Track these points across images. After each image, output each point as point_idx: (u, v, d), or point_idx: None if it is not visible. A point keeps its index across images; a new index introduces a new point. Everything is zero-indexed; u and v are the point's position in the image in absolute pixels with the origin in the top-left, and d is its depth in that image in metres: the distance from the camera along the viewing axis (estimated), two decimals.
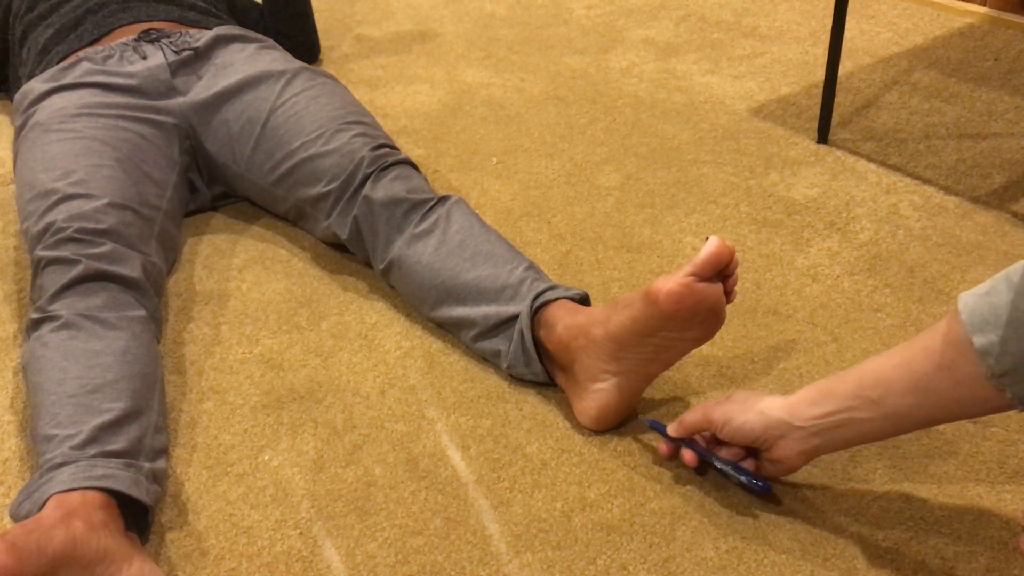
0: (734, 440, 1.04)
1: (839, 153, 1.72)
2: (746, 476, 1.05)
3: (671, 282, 1.05)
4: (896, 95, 1.89)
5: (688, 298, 1.05)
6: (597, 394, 1.15)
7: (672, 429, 1.10)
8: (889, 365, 0.93)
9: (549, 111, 1.89)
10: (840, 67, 1.87)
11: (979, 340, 0.85)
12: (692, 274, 1.04)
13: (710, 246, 1.04)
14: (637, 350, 1.11)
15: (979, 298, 0.85)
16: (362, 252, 1.41)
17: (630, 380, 1.13)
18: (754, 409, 1.02)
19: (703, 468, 1.12)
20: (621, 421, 1.18)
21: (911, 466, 1.12)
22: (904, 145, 1.73)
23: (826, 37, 2.12)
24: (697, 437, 1.10)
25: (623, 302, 1.11)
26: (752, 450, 1.07)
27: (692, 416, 1.08)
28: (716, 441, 1.08)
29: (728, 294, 1.08)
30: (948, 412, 0.91)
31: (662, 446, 1.12)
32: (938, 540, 1.03)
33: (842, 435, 0.97)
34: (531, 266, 1.27)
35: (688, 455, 1.08)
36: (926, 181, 1.63)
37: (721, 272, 1.06)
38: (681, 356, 1.13)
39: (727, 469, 1.07)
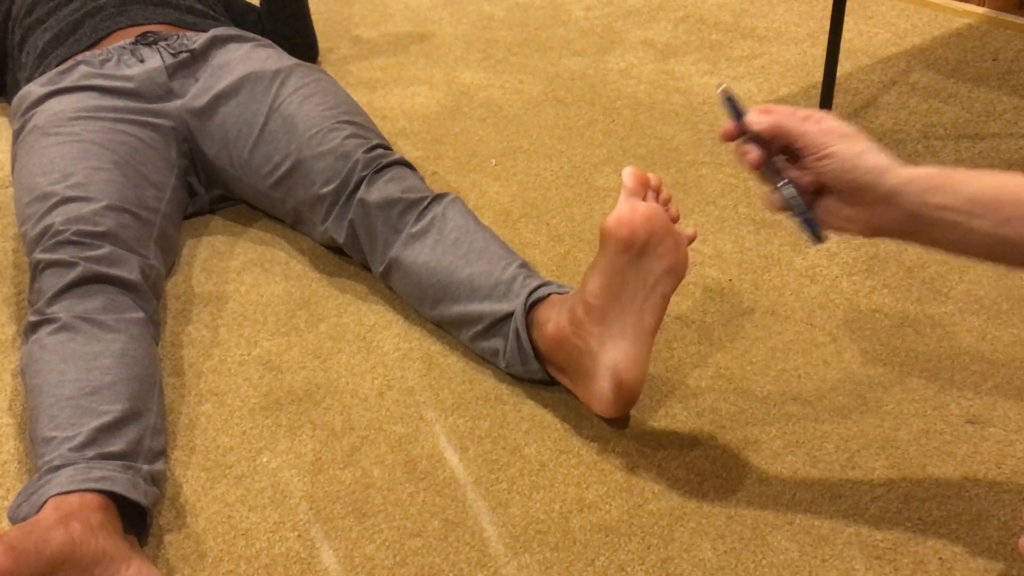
0: (821, 175, 0.90)
1: None
2: (804, 215, 0.91)
3: (615, 211, 1.12)
4: (894, 95, 1.89)
5: (635, 215, 1.11)
6: (607, 371, 1.13)
7: (754, 119, 0.92)
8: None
9: (548, 112, 1.89)
10: (838, 68, 1.87)
11: None
12: (627, 197, 1.13)
13: (625, 172, 1.14)
14: (620, 302, 1.12)
15: None
16: (359, 255, 1.41)
17: (631, 342, 1.12)
18: (865, 165, 0.88)
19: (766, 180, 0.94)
20: (639, 395, 1.15)
21: (909, 466, 1.12)
22: (903, 145, 1.73)
23: (824, 38, 2.13)
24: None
25: (588, 268, 1.16)
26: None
27: (787, 119, 0.91)
28: (784, 152, 0.93)
29: (666, 208, 1.15)
30: None
31: (728, 126, 0.93)
32: (936, 541, 1.03)
33: (934, 234, 0.87)
34: (523, 264, 1.27)
35: (754, 155, 0.92)
36: None
37: (650, 189, 1.15)
38: (666, 296, 1.14)
39: (789, 195, 0.91)
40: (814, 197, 0.93)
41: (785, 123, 0.91)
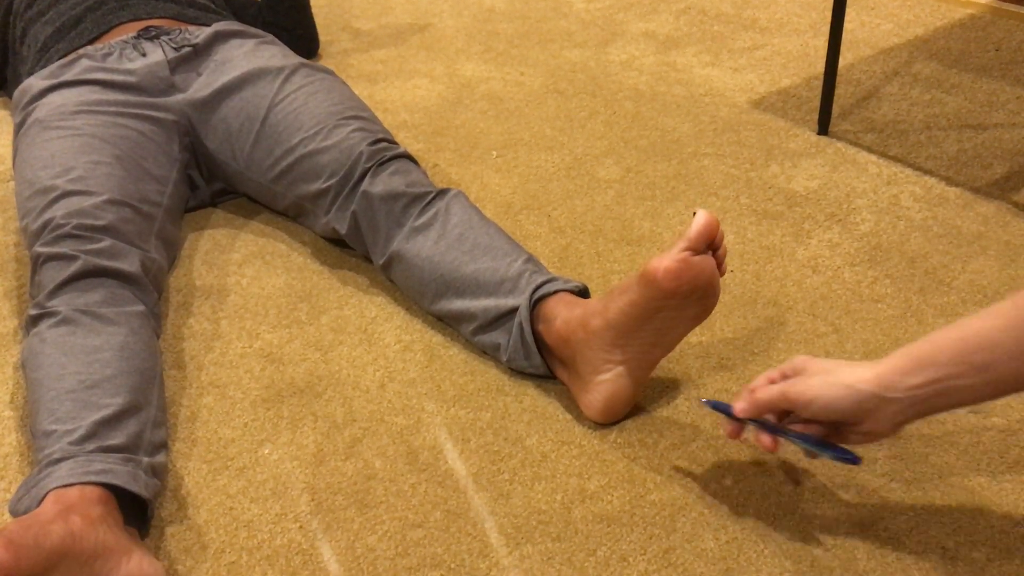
0: (819, 419, 0.96)
1: (840, 144, 1.71)
2: (832, 452, 0.98)
3: (667, 259, 1.06)
4: (897, 86, 1.89)
5: (686, 272, 1.06)
6: (603, 385, 1.14)
7: (741, 409, 1.00)
8: (994, 328, 0.87)
9: (549, 105, 1.88)
10: (840, 59, 1.86)
11: None
12: (686, 249, 1.06)
13: (699, 219, 1.06)
14: (639, 335, 1.11)
15: None
16: (361, 247, 1.41)
17: (634, 368, 1.13)
18: (840, 384, 0.94)
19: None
20: (628, 412, 1.18)
21: (911, 457, 1.12)
22: (905, 136, 1.73)
23: (826, 29, 2.12)
24: (767, 415, 1.01)
25: (619, 289, 1.12)
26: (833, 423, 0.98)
27: (766, 394, 0.98)
28: (784, 415, 1.00)
29: (719, 266, 1.09)
30: None
31: (728, 427, 1.03)
32: (939, 531, 1.03)
33: (940, 403, 0.91)
34: (530, 259, 1.26)
35: (766, 439, 0.99)
36: (927, 172, 1.63)
37: (711, 244, 1.08)
38: (682, 337, 1.13)
39: (811, 448, 0.98)
40: (833, 430, 0.98)
41: (763, 397, 0.98)
